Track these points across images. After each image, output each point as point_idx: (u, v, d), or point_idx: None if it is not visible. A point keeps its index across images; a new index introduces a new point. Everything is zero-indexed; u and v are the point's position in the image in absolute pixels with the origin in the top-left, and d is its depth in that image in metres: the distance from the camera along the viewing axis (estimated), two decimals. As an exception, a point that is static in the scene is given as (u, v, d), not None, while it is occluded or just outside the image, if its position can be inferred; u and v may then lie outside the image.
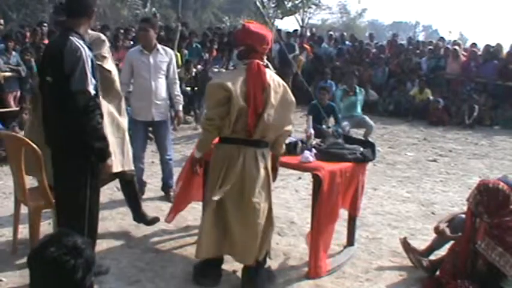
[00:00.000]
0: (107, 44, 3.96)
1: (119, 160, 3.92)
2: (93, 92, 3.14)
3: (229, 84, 3.27)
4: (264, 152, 3.42)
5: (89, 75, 3.12)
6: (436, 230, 3.84)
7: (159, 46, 5.09)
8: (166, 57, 5.10)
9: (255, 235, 3.37)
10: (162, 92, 5.09)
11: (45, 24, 10.65)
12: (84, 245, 1.69)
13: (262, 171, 3.39)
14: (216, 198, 3.33)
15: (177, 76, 5.31)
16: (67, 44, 3.11)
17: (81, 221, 3.29)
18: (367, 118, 8.52)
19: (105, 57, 3.84)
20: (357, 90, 8.70)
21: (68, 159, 3.30)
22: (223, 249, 3.51)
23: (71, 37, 3.14)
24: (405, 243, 4.10)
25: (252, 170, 3.35)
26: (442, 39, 14.40)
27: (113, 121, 3.90)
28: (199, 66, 10.75)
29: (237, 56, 3.48)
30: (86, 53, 3.13)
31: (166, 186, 5.35)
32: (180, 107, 5.39)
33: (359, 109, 8.59)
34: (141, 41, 5.15)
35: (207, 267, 3.58)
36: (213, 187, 3.39)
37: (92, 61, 3.18)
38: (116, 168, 3.82)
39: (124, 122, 4.03)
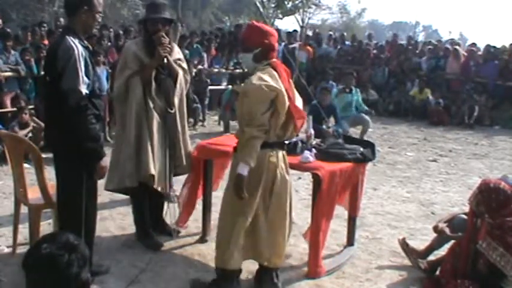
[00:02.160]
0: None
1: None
2: (84, 91, 3.11)
3: (274, 83, 3.12)
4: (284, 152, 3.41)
5: (81, 74, 3.09)
6: (435, 229, 3.85)
7: None
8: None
9: (284, 236, 3.39)
10: None
11: (44, 25, 10.63)
12: (76, 241, 1.69)
13: (288, 172, 3.39)
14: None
15: None
16: (61, 43, 3.13)
17: (77, 222, 3.29)
18: (362, 114, 8.64)
19: (184, 61, 4.20)
20: (353, 91, 8.78)
21: (65, 159, 3.31)
22: (248, 255, 3.43)
23: (66, 36, 3.15)
24: (404, 244, 4.10)
25: (284, 173, 3.34)
26: (439, 41, 14.40)
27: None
28: (199, 67, 10.76)
29: (254, 59, 3.22)
30: (79, 52, 3.11)
31: None
32: None
33: (354, 110, 8.68)
34: None
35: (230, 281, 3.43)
36: (253, 195, 3.25)
37: (85, 61, 3.15)
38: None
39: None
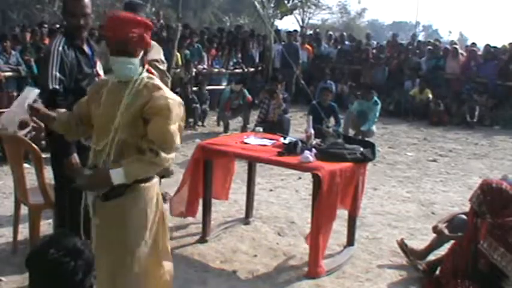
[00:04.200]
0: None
1: None
2: (52, 86, 3.12)
3: None
4: None
5: (51, 70, 3.12)
6: (434, 229, 3.85)
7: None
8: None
9: None
10: None
11: (45, 25, 10.65)
12: (83, 246, 1.69)
13: None
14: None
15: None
16: (50, 42, 3.22)
17: (63, 220, 3.32)
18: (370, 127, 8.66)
19: (164, 62, 4.05)
20: (373, 102, 8.74)
21: (52, 156, 3.37)
22: None
23: (58, 34, 3.28)
24: (402, 245, 4.10)
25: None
26: (437, 40, 14.37)
27: None
28: (199, 66, 10.76)
29: (141, 65, 2.53)
30: (56, 49, 3.15)
31: None
32: None
33: (368, 124, 8.65)
34: None
35: None
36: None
37: (61, 57, 3.15)
38: None
39: None
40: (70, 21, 3.27)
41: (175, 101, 2.49)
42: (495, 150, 8.83)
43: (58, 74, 3.14)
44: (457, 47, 12.34)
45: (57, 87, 3.13)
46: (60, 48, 3.17)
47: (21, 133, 4.31)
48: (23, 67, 7.87)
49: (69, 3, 3.26)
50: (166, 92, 2.51)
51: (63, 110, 2.77)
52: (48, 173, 3.74)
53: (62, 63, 3.16)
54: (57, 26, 10.47)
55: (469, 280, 3.36)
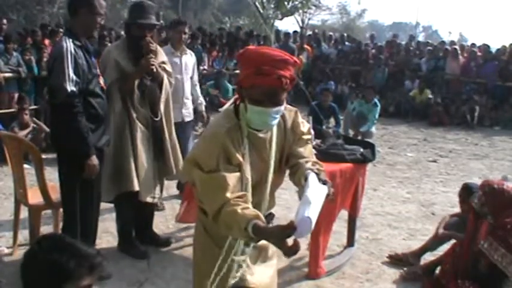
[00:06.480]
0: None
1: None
2: (70, 88, 3.09)
3: None
4: None
5: (67, 71, 3.08)
6: (436, 236, 3.90)
7: (185, 47, 5.11)
8: (192, 58, 5.13)
9: None
10: (189, 93, 5.12)
11: (49, 27, 10.66)
12: (66, 249, 1.61)
13: None
14: None
15: (197, 77, 5.33)
16: (57, 43, 3.22)
17: (73, 223, 3.31)
18: (370, 129, 8.63)
19: (168, 63, 4.02)
20: (372, 103, 8.69)
21: (60, 159, 3.34)
22: None
23: (63, 36, 3.22)
24: (393, 256, 4.10)
25: None
26: (442, 43, 14.36)
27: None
28: (200, 67, 10.77)
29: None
30: (68, 50, 3.12)
31: (181, 184, 5.29)
32: (203, 107, 5.46)
33: (368, 125, 8.62)
34: (177, 42, 5.01)
35: None
36: None
37: (74, 59, 3.12)
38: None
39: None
40: (87, 20, 3.21)
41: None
42: (495, 150, 8.84)
43: (74, 76, 3.10)
44: (457, 47, 12.35)
45: (74, 89, 3.10)
46: (72, 49, 3.13)
47: (22, 134, 4.33)
48: (24, 68, 7.87)
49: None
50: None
51: (248, 210, 1.92)
52: (49, 174, 3.75)
53: (76, 64, 3.13)
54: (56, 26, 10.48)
55: (469, 280, 3.36)
